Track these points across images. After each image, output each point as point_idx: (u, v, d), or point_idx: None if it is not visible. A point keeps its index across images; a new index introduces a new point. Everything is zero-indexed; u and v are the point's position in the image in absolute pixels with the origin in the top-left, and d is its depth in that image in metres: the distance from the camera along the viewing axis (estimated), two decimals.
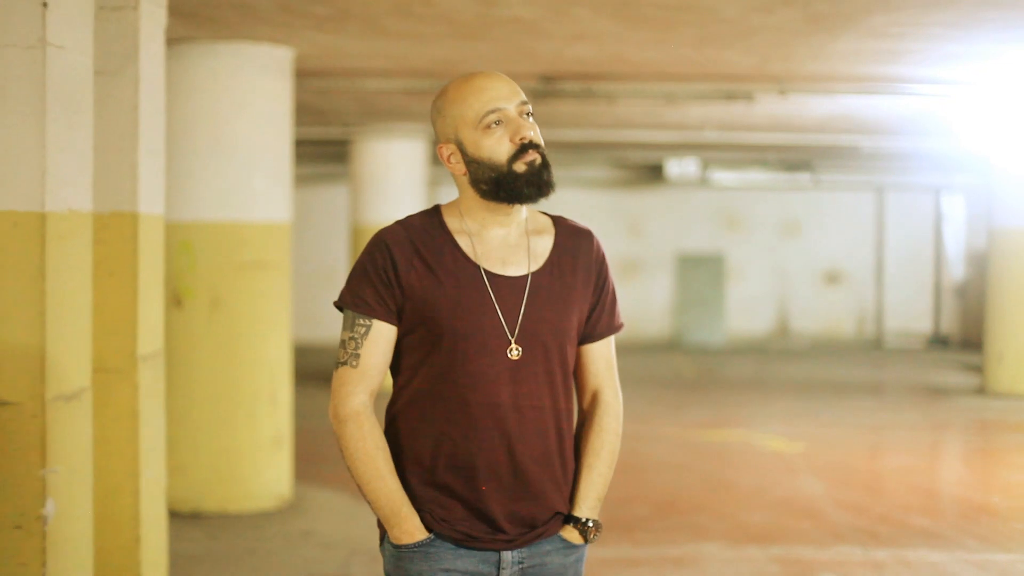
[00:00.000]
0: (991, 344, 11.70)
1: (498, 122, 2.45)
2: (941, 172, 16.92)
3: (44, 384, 3.73)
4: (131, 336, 4.63)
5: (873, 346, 17.58)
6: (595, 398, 2.62)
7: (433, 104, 2.55)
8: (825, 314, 17.83)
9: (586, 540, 2.56)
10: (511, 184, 2.44)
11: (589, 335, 2.60)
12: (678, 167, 16.16)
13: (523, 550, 2.51)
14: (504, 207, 2.50)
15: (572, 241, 2.57)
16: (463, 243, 2.50)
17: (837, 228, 17.77)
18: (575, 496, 2.56)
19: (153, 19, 4.67)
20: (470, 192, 2.51)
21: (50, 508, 3.80)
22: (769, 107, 9.96)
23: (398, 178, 12.14)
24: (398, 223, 2.54)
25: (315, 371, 13.48)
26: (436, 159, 14.70)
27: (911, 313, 17.75)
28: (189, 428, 6.81)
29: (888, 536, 6.33)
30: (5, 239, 3.65)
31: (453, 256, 2.48)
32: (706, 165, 16.66)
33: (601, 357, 2.62)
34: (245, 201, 6.83)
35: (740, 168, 16.93)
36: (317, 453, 8.49)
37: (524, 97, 2.50)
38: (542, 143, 2.49)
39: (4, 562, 3.71)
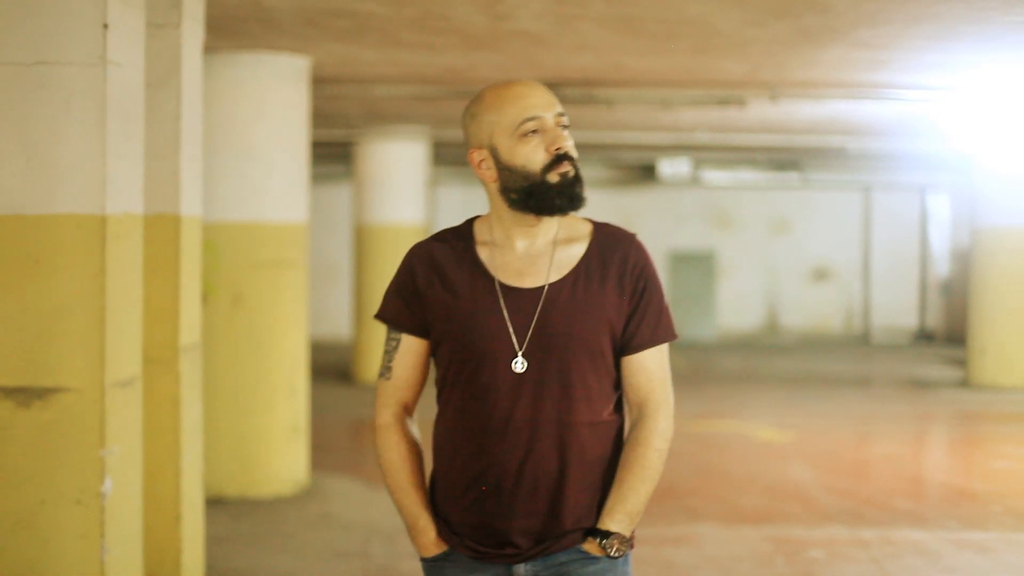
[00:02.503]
0: (974, 339, 12.08)
1: (535, 131, 2.40)
2: (926, 172, 17.30)
3: (103, 371, 4.04)
4: (173, 329, 4.99)
5: (860, 341, 17.97)
6: (639, 412, 2.51)
7: (467, 109, 2.50)
8: (813, 310, 18.21)
9: (607, 554, 2.46)
10: (543, 194, 2.40)
11: (626, 346, 2.48)
12: (670, 167, 16.55)
13: (536, 562, 2.47)
14: (531, 218, 2.45)
15: (606, 249, 2.49)
16: (483, 255, 2.49)
17: (825, 226, 18.13)
18: (602, 509, 2.48)
19: (193, 35, 5.05)
20: (499, 201, 2.47)
21: (108, 486, 4.12)
22: (760, 111, 10.35)
23: (400, 179, 12.51)
24: (431, 237, 2.56)
25: (320, 367, 13.82)
26: (437, 160, 15.06)
27: (897, 309, 18.13)
28: (212, 418, 7.17)
29: (873, 517, 6.73)
30: (69, 239, 3.99)
31: (471, 269, 2.47)
32: (698, 165, 17.03)
33: (642, 369, 2.49)
34: (264, 202, 7.21)
35: (731, 168, 17.32)
36: (328, 443, 8.87)
37: (561, 108, 2.46)
38: (576, 156, 2.45)
39: (66, 535, 4.00)
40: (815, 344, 17.52)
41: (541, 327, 2.43)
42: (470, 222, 2.55)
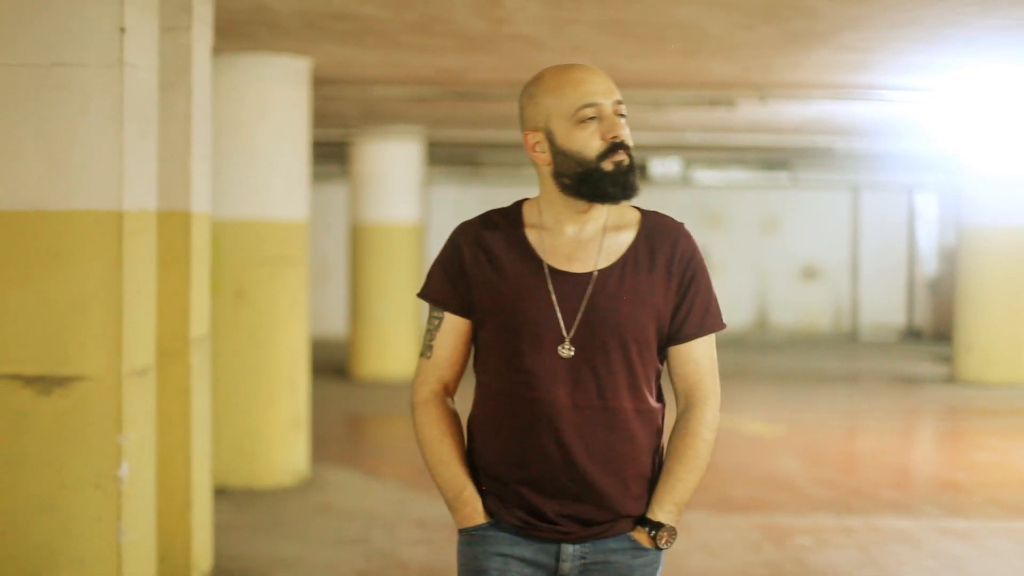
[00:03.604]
0: (960, 336, 12.27)
1: (593, 117, 2.38)
2: (914, 172, 17.48)
3: (120, 361, 4.19)
4: (184, 321, 5.17)
5: (849, 339, 18.17)
6: (686, 402, 2.51)
7: (525, 90, 2.48)
8: (802, 308, 18.38)
9: (657, 545, 2.46)
10: (596, 181, 2.38)
11: (675, 336, 2.48)
12: (661, 167, 16.75)
13: (586, 544, 2.44)
14: (583, 204, 2.43)
15: (655, 237, 2.48)
16: (532, 238, 2.46)
17: (814, 225, 18.30)
18: (651, 499, 2.46)
19: (203, 38, 5.23)
20: (550, 184, 2.44)
21: (124, 470, 4.27)
22: (749, 111, 10.55)
23: (395, 178, 12.69)
24: (478, 217, 2.53)
25: (315, 363, 13.96)
26: (432, 159, 15.24)
27: (885, 307, 18.31)
28: (215, 410, 7.35)
29: (860, 506, 6.93)
30: (88, 234, 4.15)
31: (520, 251, 2.45)
32: (688, 165, 17.23)
33: (690, 359, 2.49)
34: (267, 200, 7.40)
35: (721, 167, 17.52)
36: (325, 436, 9.06)
37: (619, 95, 2.43)
38: (632, 144, 2.43)
39: (85, 518, 4.15)
40: (804, 342, 17.72)
41: (589, 313, 2.40)
42: (519, 204, 2.53)
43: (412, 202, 12.82)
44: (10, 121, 4.07)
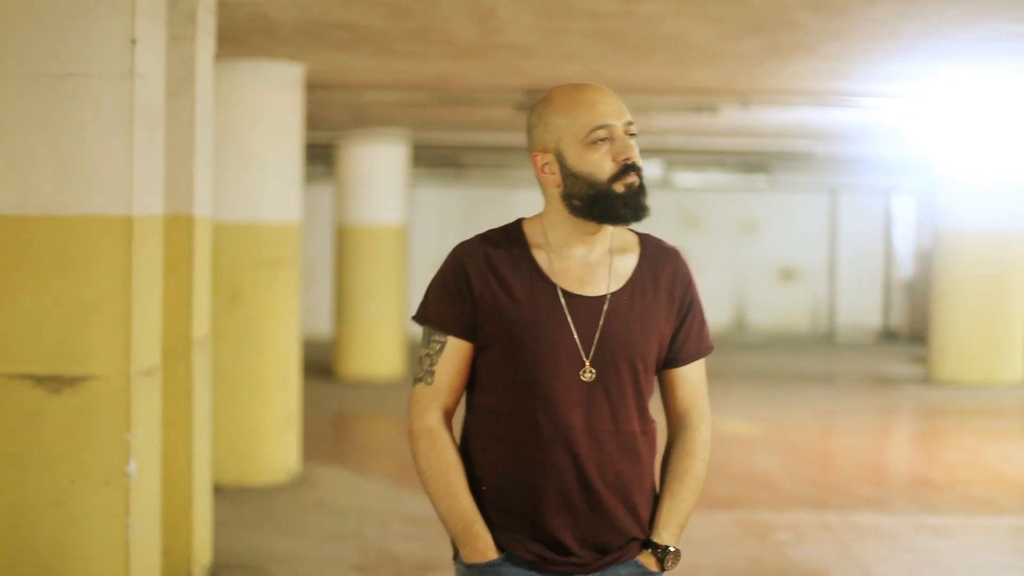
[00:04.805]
0: (935, 337, 12.46)
1: (605, 139, 2.37)
2: (891, 175, 17.71)
3: (129, 361, 4.30)
4: (187, 322, 5.31)
5: (826, 339, 18.35)
6: (681, 423, 2.53)
7: (534, 110, 2.45)
8: (780, 309, 18.53)
9: (663, 568, 2.47)
10: (608, 204, 2.37)
11: (673, 359, 2.51)
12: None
13: (596, 574, 2.44)
14: (592, 225, 2.42)
15: (657, 261, 2.49)
16: (541, 260, 2.43)
17: (792, 228, 18.44)
18: (656, 521, 2.47)
19: (206, 47, 5.37)
20: (559, 206, 2.42)
21: (133, 467, 4.40)
22: (731, 117, 10.74)
23: (381, 180, 12.84)
24: (477, 236, 2.48)
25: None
26: (418, 161, 15.38)
27: (862, 308, 18.47)
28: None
29: (838, 503, 7.13)
30: (99, 238, 4.26)
31: (530, 273, 2.41)
32: (669, 167, 17.41)
33: (687, 382, 2.53)
34: (261, 203, 7.55)
35: (701, 170, 17.69)
36: (314, 435, 9.20)
37: (630, 116, 2.42)
38: (642, 166, 2.42)
39: (94, 513, 4.27)
40: (782, 342, 17.90)
41: (604, 336, 2.40)
42: (518, 224, 2.49)
43: (397, 204, 12.98)
44: (25, 129, 4.19)
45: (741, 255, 18.43)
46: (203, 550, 5.57)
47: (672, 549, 2.46)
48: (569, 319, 2.39)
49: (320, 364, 13.79)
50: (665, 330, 2.48)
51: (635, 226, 2.49)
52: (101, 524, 4.31)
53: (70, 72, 4.21)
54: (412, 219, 16.01)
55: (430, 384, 2.44)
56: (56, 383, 4.28)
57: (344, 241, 12.99)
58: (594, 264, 2.44)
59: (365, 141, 12.73)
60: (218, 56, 7.30)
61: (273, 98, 7.54)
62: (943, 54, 7.34)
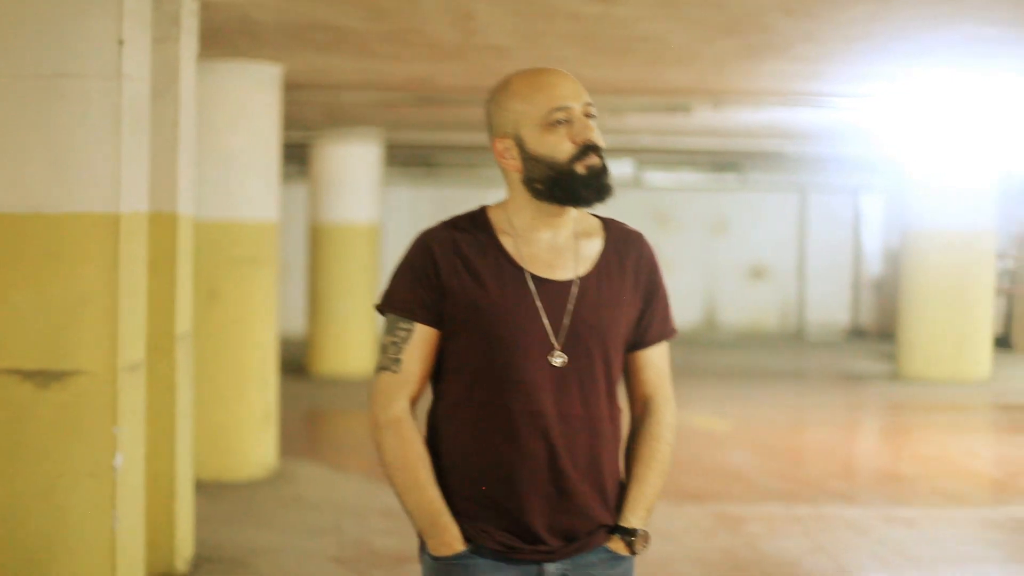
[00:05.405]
0: (903, 334, 12.63)
1: (563, 121, 2.35)
2: (860, 175, 17.90)
3: (116, 356, 4.38)
4: (170, 319, 5.39)
5: (795, 337, 18.50)
6: (646, 406, 2.52)
7: (492, 97, 2.43)
8: (750, 307, 18.68)
9: (633, 551, 2.45)
10: (569, 185, 2.35)
11: (639, 342, 2.50)
12: (613, 168, 16.80)
13: (566, 561, 2.41)
14: (555, 208, 2.41)
15: (621, 244, 2.48)
16: (508, 245, 2.41)
17: (762, 226, 18.57)
18: (624, 506, 2.46)
19: (189, 48, 5.46)
20: (521, 191, 2.41)
21: (119, 461, 4.48)
22: (703, 117, 10.88)
23: (354, 179, 12.93)
24: (442, 223, 2.45)
25: None
26: (391, 160, 15.45)
27: (831, 306, 18.62)
28: None
29: (808, 496, 7.26)
30: (87, 236, 4.34)
31: (497, 259, 2.39)
32: (640, 166, 17.54)
33: (651, 364, 2.52)
34: (240, 202, 7.63)
35: (672, 169, 17.83)
36: (290, 431, 9.28)
37: (588, 98, 2.40)
38: (603, 146, 2.40)
39: (81, 506, 4.35)
40: (752, 340, 18.04)
41: (575, 321, 2.38)
42: (483, 210, 2.48)
43: (370, 203, 13.06)
44: (14, 128, 4.26)
45: (711, 254, 18.57)
46: (186, 543, 5.65)
47: (640, 531, 2.45)
48: (539, 304, 2.38)
49: (294, 362, 13.84)
50: (632, 313, 2.46)
51: (600, 211, 2.49)
52: (88, 517, 4.38)
53: (59, 73, 4.29)
54: (385, 218, 16.08)
55: (397, 372, 2.40)
56: (44, 378, 4.35)
57: (318, 240, 13.07)
58: (561, 248, 2.43)
59: (339, 141, 12.80)
60: (199, 56, 7.37)
61: (252, 98, 7.61)
62: (913, 56, 7.50)
